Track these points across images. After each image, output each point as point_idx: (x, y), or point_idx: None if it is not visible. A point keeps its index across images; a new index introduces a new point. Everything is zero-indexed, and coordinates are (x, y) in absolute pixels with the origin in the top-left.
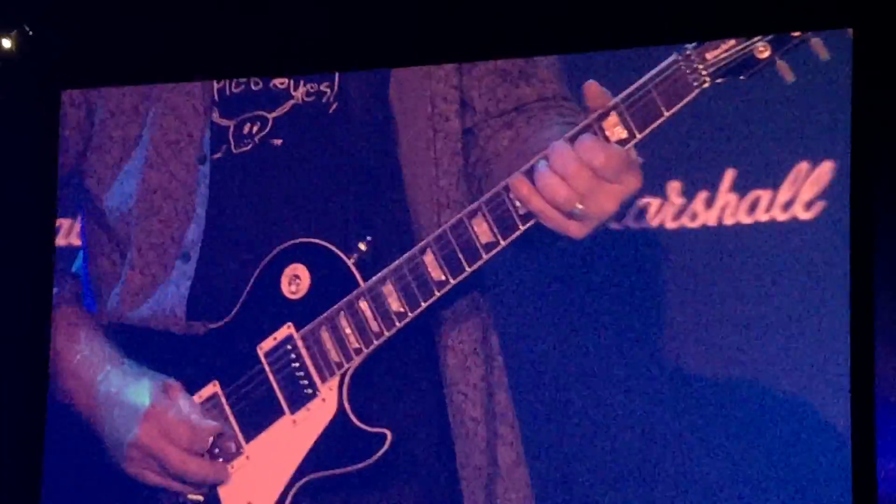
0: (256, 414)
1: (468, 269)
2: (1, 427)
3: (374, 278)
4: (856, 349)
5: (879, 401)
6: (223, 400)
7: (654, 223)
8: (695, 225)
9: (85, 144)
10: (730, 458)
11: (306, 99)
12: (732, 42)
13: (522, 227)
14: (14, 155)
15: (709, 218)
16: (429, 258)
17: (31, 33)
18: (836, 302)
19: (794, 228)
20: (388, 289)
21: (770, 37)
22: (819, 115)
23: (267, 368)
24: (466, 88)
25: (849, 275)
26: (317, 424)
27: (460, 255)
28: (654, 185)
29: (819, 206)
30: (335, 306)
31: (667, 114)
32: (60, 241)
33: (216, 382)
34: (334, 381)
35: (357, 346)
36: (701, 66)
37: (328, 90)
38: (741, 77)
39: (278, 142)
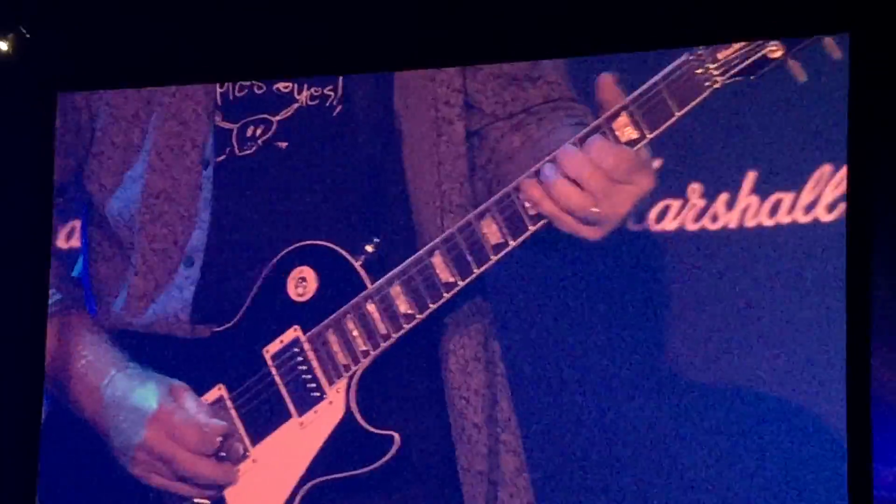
0: (263, 417)
1: (477, 271)
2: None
3: (381, 280)
4: (855, 351)
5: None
6: (229, 403)
7: (674, 225)
8: (716, 227)
9: (86, 149)
10: (733, 464)
11: (310, 102)
12: (743, 42)
13: (532, 228)
14: (10, 157)
15: (730, 220)
16: (437, 260)
17: (27, 35)
18: (860, 303)
19: (817, 231)
20: (396, 290)
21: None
22: (843, 117)
23: (273, 371)
24: (472, 91)
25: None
26: (324, 427)
27: (469, 257)
28: (674, 186)
29: (841, 209)
30: (342, 308)
31: (678, 114)
32: (62, 244)
33: (222, 386)
34: (342, 384)
35: (365, 348)
36: (712, 66)
37: (332, 93)
38: (751, 77)
39: (283, 145)
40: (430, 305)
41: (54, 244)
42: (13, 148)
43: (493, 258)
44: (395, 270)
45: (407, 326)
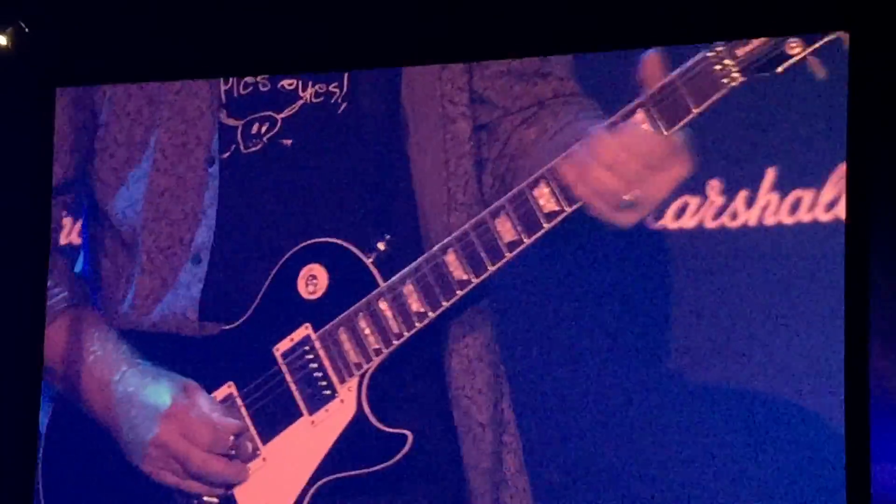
0: (273, 415)
1: (491, 269)
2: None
3: (393, 278)
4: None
5: None
6: (239, 401)
7: (693, 223)
8: (735, 224)
9: (89, 147)
10: (733, 463)
11: (315, 99)
12: (763, 38)
13: (547, 226)
14: (9, 152)
15: (750, 217)
16: (451, 258)
17: (26, 30)
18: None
19: (839, 229)
20: (409, 289)
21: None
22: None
23: (284, 369)
24: (481, 87)
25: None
26: (336, 425)
27: (483, 254)
28: (693, 183)
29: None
30: (354, 306)
31: (696, 111)
32: (72, 240)
33: (231, 384)
34: (353, 382)
35: (377, 346)
36: (731, 63)
37: (337, 90)
38: (766, 74)
39: (288, 142)
40: (443, 303)
41: (61, 241)
42: (12, 143)
43: (508, 255)
44: (408, 268)
45: (419, 325)
